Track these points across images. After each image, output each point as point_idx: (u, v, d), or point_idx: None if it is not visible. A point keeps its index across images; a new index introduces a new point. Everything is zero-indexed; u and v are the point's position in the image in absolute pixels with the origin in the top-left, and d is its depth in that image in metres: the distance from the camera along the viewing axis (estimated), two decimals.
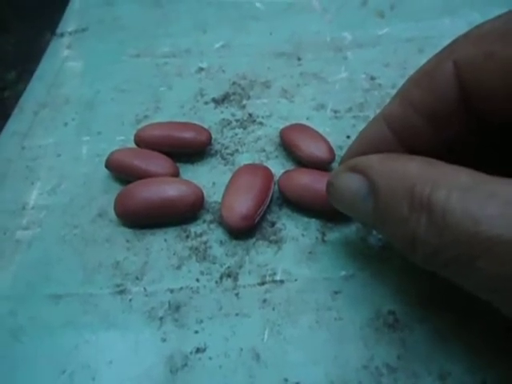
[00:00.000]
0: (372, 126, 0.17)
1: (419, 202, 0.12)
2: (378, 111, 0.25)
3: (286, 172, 0.22)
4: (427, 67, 0.15)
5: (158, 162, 0.22)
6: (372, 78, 0.28)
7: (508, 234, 0.11)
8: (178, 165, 0.23)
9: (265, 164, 0.23)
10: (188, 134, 0.23)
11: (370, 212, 0.15)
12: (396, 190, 0.13)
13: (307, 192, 0.20)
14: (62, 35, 0.34)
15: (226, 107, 0.27)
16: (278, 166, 0.23)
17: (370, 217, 0.15)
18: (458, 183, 0.12)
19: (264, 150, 0.24)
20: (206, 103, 0.27)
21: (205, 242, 0.20)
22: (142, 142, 0.24)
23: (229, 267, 0.19)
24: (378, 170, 0.14)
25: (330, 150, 0.22)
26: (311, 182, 0.20)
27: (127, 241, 0.20)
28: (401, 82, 0.16)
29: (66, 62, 0.31)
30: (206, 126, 0.24)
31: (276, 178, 0.22)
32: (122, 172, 0.23)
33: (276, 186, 0.22)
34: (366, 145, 0.17)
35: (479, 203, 0.11)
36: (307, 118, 0.26)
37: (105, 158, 0.23)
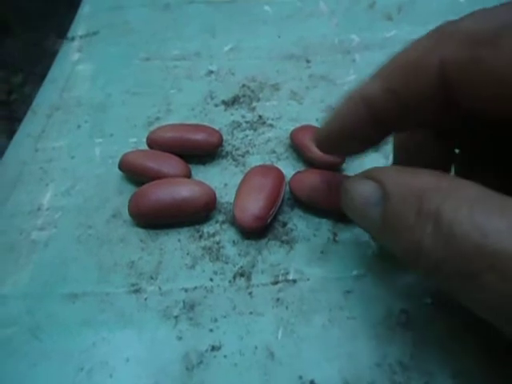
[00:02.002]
0: (348, 104, 0.16)
1: (427, 211, 0.13)
2: None
3: (296, 173, 0.22)
4: (413, 56, 0.14)
5: (170, 163, 0.23)
6: None
7: None
8: (189, 166, 0.23)
9: (276, 165, 0.23)
10: (199, 136, 0.24)
11: (379, 218, 0.15)
12: (406, 197, 0.13)
13: (318, 192, 0.21)
14: (72, 39, 0.34)
15: (236, 109, 0.27)
16: (288, 168, 0.24)
17: (377, 223, 0.15)
18: (468, 195, 0.12)
19: (274, 152, 0.25)
20: (216, 105, 0.28)
21: (218, 242, 0.21)
22: (154, 143, 0.24)
23: (242, 267, 0.20)
24: (391, 178, 0.14)
25: None
26: (322, 182, 0.21)
27: (141, 241, 0.21)
28: None
29: (77, 66, 0.31)
30: (216, 128, 0.25)
31: (287, 179, 0.22)
32: (135, 173, 0.23)
33: (287, 187, 0.22)
34: (342, 123, 0.16)
35: (488, 216, 0.11)
36: (316, 120, 0.26)
37: (117, 160, 0.23)
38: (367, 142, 0.17)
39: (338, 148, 0.18)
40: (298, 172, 0.22)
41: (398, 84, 0.14)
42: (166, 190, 0.21)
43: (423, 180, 0.13)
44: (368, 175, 0.16)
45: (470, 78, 0.13)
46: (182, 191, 0.21)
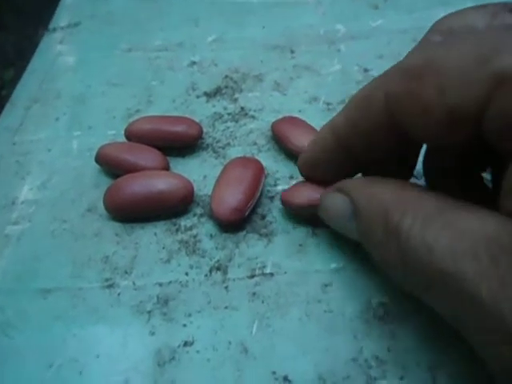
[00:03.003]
0: (321, 135, 0.18)
1: (391, 227, 0.13)
2: None
3: (290, 188, 0.20)
4: (365, 91, 0.16)
5: (147, 156, 0.22)
6: (365, 70, 0.27)
7: (453, 268, 0.11)
8: (168, 158, 0.23)
9: (256, 157, 0.23)
10: (179, 128, 0.23)
11: (355, 232, 0.16)
12: (373, 214, 0.14)
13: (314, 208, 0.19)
14: (54, 30, 0.33)
15: (218, 101, 0.27)
16: (269, 159, 0.23)
17: (355, 236, 0.16)
18: (422, 211, 0.13)
19: (256, 144, 0.24)
20: (198, 97, 0.27)
21: (194, 236, 0.20)
22: (132, 136, 0.23)
23: (218, 260, 0.19)
24: (359, 193, 0.16)
25: None
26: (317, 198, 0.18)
27: (116, 235, 0.20)
28: None
29: (58, 57, 0.31)
30: (197, 120, 0.24)
31: (267, 171, 0.22)
32: (111, 166, 0.22)
33: (266, 180, 0.22)
34: (318, 151, 0.18)
35: (435, 233, 0.12)
36: (300, 111, 0.25)
37: (95, 153, 0.23)
38: (343, 169, 0.18)
39: (319, 173, 0.19)
40: (292, 187, 0.20)
41: (356, 116, 0.16)
42: (141, 182, 0.21)
43: (387, 195, 0.14)
44: (339, 188, 0.17)
45: (406, 111, 0.14)
46: (159, 184, 0.20)
